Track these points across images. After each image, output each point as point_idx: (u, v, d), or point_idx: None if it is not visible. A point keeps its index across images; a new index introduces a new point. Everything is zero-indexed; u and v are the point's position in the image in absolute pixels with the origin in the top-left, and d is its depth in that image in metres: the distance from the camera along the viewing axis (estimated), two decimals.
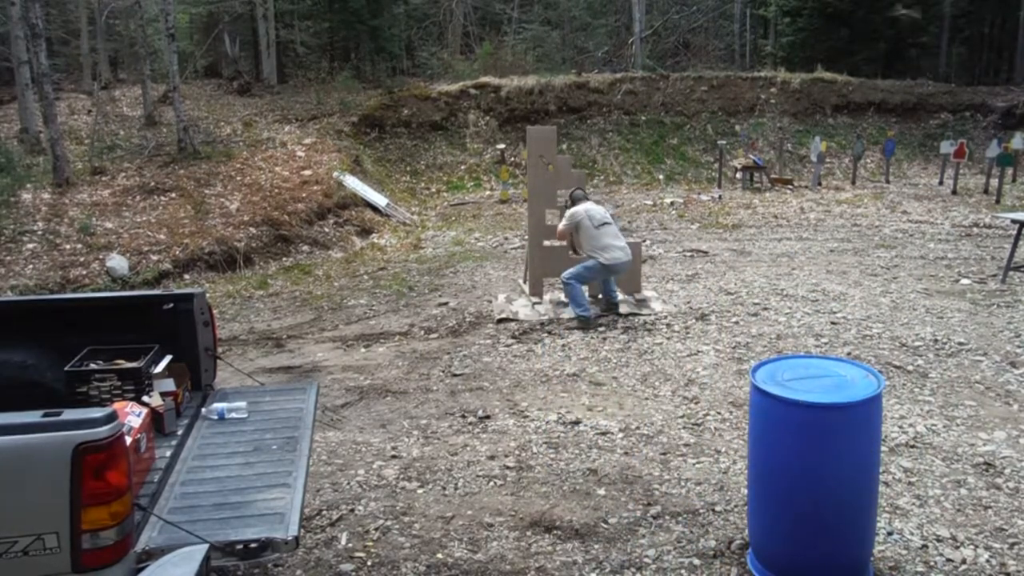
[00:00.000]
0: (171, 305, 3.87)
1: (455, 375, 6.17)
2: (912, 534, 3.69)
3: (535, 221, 7.89)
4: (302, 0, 22.56)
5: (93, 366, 3.51)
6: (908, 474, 4.28)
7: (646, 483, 4.28)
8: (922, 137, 18.76)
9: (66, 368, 3.44)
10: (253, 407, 3.71)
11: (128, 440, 2.68)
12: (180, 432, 3.47)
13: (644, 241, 10.69)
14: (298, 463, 3.15)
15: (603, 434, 4.93)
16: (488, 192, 16.32)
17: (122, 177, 12.95)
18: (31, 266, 9.53)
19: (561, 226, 7.38)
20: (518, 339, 7.01)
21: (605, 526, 3.86)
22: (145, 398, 3.39)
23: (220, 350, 4.40)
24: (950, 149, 15.68)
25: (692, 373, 5.96)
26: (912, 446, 4.61)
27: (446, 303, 8.37)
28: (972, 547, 3.57)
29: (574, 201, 7.46)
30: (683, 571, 3.47)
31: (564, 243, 7.77)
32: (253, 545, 2.58)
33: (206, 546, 2.43)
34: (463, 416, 5.33)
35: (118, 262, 9.63)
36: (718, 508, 3.99)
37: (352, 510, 4.10)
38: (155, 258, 10.03)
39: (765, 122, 18.68)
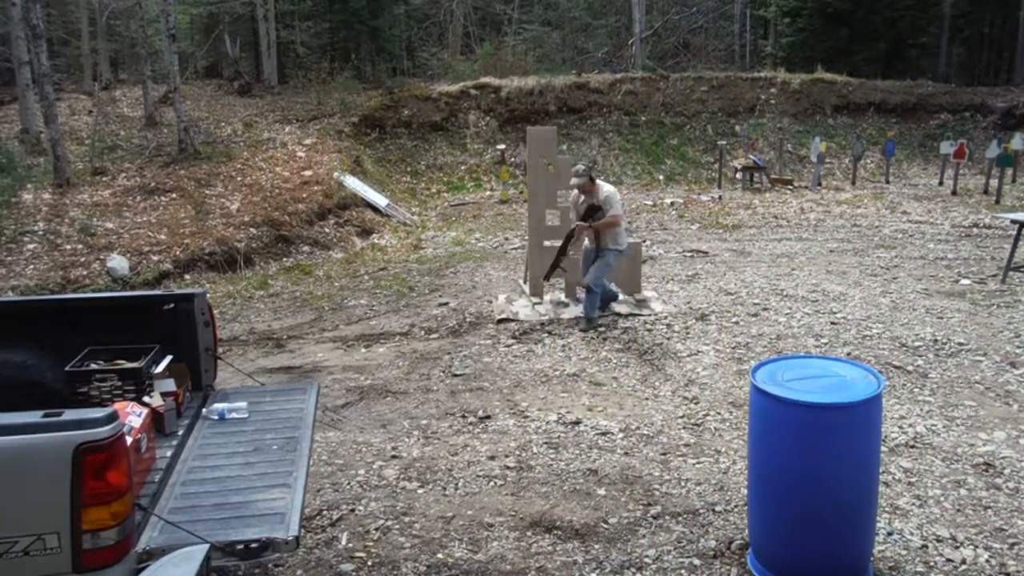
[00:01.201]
0: (172, 305, 3.87)
1: (455, 375, 6.17)
2: (912, 534, 3.69)
3: (535, 221, 7.89)
4: (302, 1, 22.56)
5: (94, 366, 3.51)
6: (908, 474, 4.28)
7: (646, 483, 4.28)
8: (922, 137, 18.76)
9: (67, 368, 3.44)
10: (253, 407, 3.72)
11: (129, 440, 2.68)
12: (181, 432, 3.48)
13: (644, 241, 10.69)
14: (298, 463, 3.16)
15: (603, 434, 4.93)
16: (488, 192, 16.33)
17: (123, 177, 12.96)
18: (32, 266, 9.53)
19: (616, 211, 6.75)
20: (518, 339, 7.01)
21: (605, 526, 3.86)
22: (146, 398, 3.40)
23: (220, 350, 4.41)
24: (950, 149, 15.68)
25: (692, 373, 5.96)
26: (912, 446, 4.61)
27: (446, 303, 8.38)
28: (972, 547, 3.57)
29: (592, 178, 6.82)
30: (683, 571, 3.48)
31: (585, 239, 7.04)
32: (253, 545, 2.58)
33: (206, 546, 2.43)
34: (463, 416, 5.33)
35: (119, 262, 9.63)
36: (718, 508, 3.99)
37: (352, 510, 4.10)
38: (156, 258, 10.03)
39: (765, 122, 18.67)
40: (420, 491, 4.29)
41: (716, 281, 8.79)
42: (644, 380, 5.90)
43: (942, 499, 4.01)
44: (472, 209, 14.79)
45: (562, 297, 8.05)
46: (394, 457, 4.73)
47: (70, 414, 2.32)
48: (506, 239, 12.01)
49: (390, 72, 23.42)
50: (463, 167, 17.29)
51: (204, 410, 3.70)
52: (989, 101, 19.27)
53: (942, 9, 23.66)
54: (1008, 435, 4.73)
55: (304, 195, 12.70)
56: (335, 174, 13.79)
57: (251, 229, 11.29)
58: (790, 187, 16.06)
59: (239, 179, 13.20)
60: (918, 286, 8.33)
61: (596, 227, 6.78)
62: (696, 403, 5.40)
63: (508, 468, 4.52)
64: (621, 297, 7.94)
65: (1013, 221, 8.61)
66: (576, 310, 7.70)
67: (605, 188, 6.82)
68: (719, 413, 5.20)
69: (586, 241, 7.08)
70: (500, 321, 7.49)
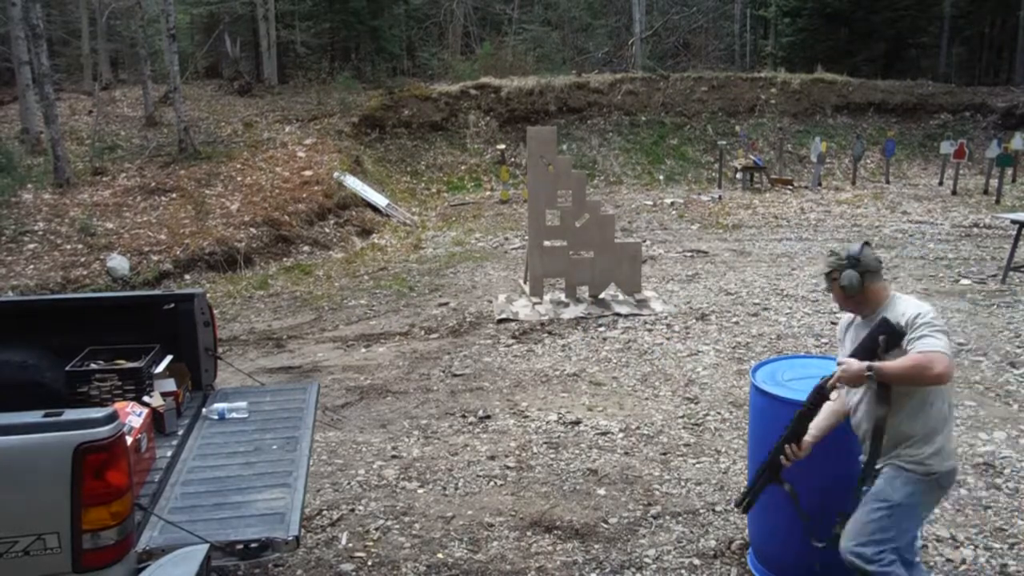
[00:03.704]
0: (172, 305, 3.88)
1: (455, 375, 6.17)
2: None
3: (535, 221, 7.88)
4: (302, 1, 22.55)
5: (94, 366, 3.52)
6: None
7: (646, 483, 4.28)
8: (922, 137, 18.74)
9: (67, 368, 3.44)
10: (253, 407, 3.72)
11: (129, 440, 2.68)
12: (181, 432, 3.48)
13: (644, 241, 10.69)
14: (298, 463, 3.16)
15: (603, 434, 4.93)
16: (488, 192, 16.32)
17: (123, 177, 12.95)
18: (32, 266, 9.53)
19: (941, 345, 2.64)
20: (518, 339, 7.01)
21: (605, 526, 3.86)
22: (146, 398, 3.40)
23: (220, 350, 4.41)
24: (950, 149, 15.67)
25: (692, 373, 5.96)
26: None
27: (446, 303, 8.38)
28: (972, 547, 3.57)
29: (864, 275, 2.84)
30: (683, 571, 3.48)
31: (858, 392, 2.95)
32: (253, 545, 2.58)
33: (206, 546, 2.43)
34: (463, 416, 5.33)
35: (119, 262, 9.63)
36: (718, 508, 3.99)
37: (352, 510, 4.10)
38: (156, 258, 10.03)
39: (765, 122, 18.66)
40: (420, 491, 4.29)
41: (716, 281, 8.78)
42: (644, 380, 5.90)
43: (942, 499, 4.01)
44: (472, 209, 14.78)
45: (562, 297, 8.05)
46: (394, 457, 4.73)
47: (70, 414, 2.32)
48: (506, 239, 12.00)
49: (390, 72, 23.41)
50: (463, 167, 17.29)
51: (204, 410, 3.70)
52: (989, 101, 19.25)
53: (942, 9, 23.65)
54: (1008, 435, 4.73)
55: (304, 195, 12.69)
56: (335, 174, 13.78)
57: (251, 229, 11.29)
58: (790, 187, 16.06)
59: (239, 179, 13.19)
60: (918, 286, 8.32)
61: (886, 375, 2.70)
62: (696, 403, 5.40)
63: (508, 468, 4.52)
64: (621, 297, 7.92)
65: (1013, 221, 8.60)
66: (576, 310, 7.70)
67: (905, 303, 2.86)
68: (719, 413, 5.20)
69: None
70: (500, 321, 7.49)
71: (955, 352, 6.14)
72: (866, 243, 2.94)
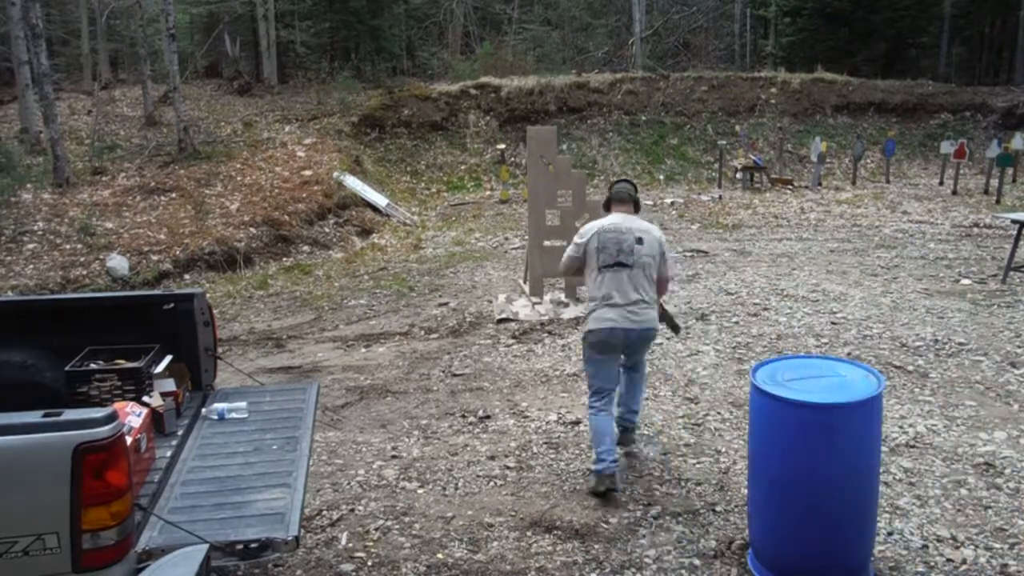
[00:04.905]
0: (171, 305, 3.88)
1: (455, 375, 6.17)
2: (912, 534, 3.69)
3: (535, 221, 7.88)
4: (302, 0, 22.56)
5: (93, 366, 3.51)
6: (908, 474, 4.28)
7: (646, 483, 4.28)
8: (922, 137, 18.75)
9: (66, 368, 3.44)
10: (253, 407, 3.72)
11: (128, 440, 2.68)
12: (180, 432, 3.48)
13: None
14: (298, 463, 3.16)
15: None
16: (488, 192, 16.32)
17: (122, 177, 12.95)
18: (31, 266, 9.53)
19: (566, 254, 4.48)
20: (518, 339, 7.00)
21: (605, 526, 3.86)
22: (145, 398, 3.40)
23: (220, 350, 4.41)
24: (950, 149, 15.68)
25: (692, 373, 5.95)
26: (912, 446, 4.61)
27: (446, 303, 8.37)
28: (972, 547, 3.57)
29: (608, 201, 4.64)
30: (683, 571, 3.47)
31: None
32: (253, 545, 2.58)
33: (206, 546, 2.43)
34: (463, 416, 5.33)
35: (118, 262, 9.62)
36: (718, 508, 3.99)
37: (352, 510, 4.10)
38: (155, 258, 10.02)
39: (765, 122, 18.66)
40: (420, 491, 4.29)
41: (716, 281, 8.78)
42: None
43: (942, 499, 4.01)
44: (472, 209, 14.78)
45: (562, 297, 8.05)
46: (394, 457, 4.73)
47: (70, 414, 2.32)
48: (506, 239, 12.00)
49: (390, 72, 23.40)
50: (463, 167, 17.29)
51: (204, 410, 3.70)
52: (989, 101, 19.26)
53: (942, 9, 23.64)
54: (1008, 435, 4.73)
55: (304, 195, 12.69)
56: (335, 174, 13.78)
57: (251, 229, 11.29)
58: (790, 187, 16.06)
59: (239, 179, 13.19)
60: (918, 286, 8.32)
61: None
62: (696, 403, 5.40)
63: (508, 468, 4.52)
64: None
65: (1013, 221, 8.60)
66: (577, 310, 7.70)
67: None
68: (719, 413, 5.20)
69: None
70: (500, 321, 7.49)
71: (956, 352, 6.15)
72: (626, 180, 4.68)
